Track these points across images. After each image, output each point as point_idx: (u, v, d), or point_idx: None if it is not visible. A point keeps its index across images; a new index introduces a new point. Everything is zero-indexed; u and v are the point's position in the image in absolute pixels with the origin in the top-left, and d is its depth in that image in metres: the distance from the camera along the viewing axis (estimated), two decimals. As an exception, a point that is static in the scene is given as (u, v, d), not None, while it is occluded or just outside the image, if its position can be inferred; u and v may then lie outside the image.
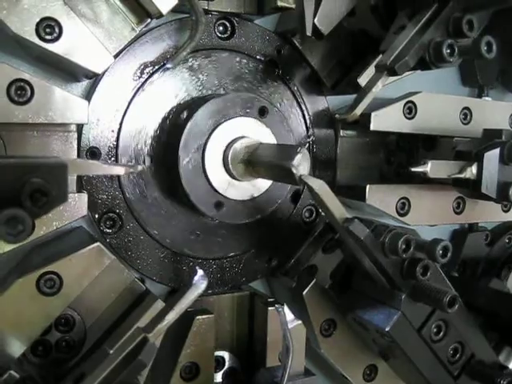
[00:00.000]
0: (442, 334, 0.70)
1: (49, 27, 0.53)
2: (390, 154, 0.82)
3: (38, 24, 0.52)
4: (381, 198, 0.72)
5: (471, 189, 0.69)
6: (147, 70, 0.65)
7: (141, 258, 0.68)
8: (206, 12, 0.66)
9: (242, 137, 0.64)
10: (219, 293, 0.73)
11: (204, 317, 0.66)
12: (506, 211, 0.84)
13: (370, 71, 0.69)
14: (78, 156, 0.62)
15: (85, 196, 0.58)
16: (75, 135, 0.60)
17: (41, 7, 0.52)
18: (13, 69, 0.53)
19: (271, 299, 0.71)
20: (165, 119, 0.67)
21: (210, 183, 0.63)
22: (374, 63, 0.65)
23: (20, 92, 0.53)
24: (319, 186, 0.58)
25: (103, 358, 0.53)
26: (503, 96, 0.91)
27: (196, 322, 0.65)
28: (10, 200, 0.41)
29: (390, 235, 0.62)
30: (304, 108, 0.75)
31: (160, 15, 0.58)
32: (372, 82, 0.62)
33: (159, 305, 0.62)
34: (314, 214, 0.78)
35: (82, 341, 0.63)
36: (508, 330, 0.82)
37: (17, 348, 0.56)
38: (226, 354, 0.73)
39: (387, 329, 0.65)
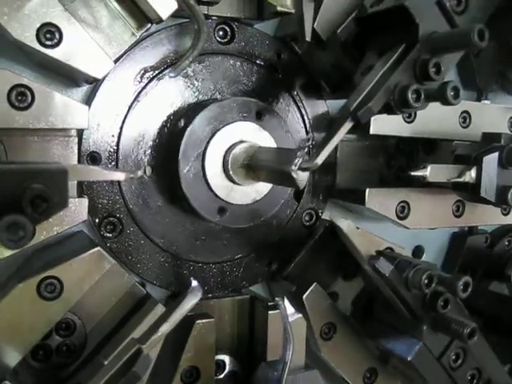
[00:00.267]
0: (460, 361, 0.73)
1: (49, 33, 0.53)
2: (389, 157, 0.82)
3: (38, 29, 0.52)
4: (380, 202, 0.72)
5: (470, 192, 0.69)
6: (147, 74, 0.66)
7: (141, 262, 0.68)
8: (206, 17, 0.66)
9: (241, 141, 0.64)
10: (220, 296, 0.73)
11: (204, 321, 0.66)
12: (505, 214, 0.84)
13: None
14: (79, 161, 0.62)
15: (85, 201, 0.58)
16: (75, 140, 0.60)
17: (41, 13, 0.53)
18: (13, 74, 0.53)
19: (271, 303, 0.71)
20: (165, 124, 0.67)
21: (211, 190, 0.64)
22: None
23: (21, 97, 0.53)
24: (347, 226, 0.65)
25: (98, 369, 0.54)
26: (502, 99, 0.91)
27: (196, 326, 0.65)
28: (11, 206, 0.41)
29: (414, 271, 0.65)
30: (304, 112, 0.75)
31: (160, 20, 0.58)
32: (335, 129, 0.58)
33: (159, 309, 0.62)
34: (314, 218, 0.78)
35: (82, 345, 0.64)
36: (509, 332, 0.83)
37: (14, 357, 0.56)
38: (226, 358, 0.73)
39: (409, 358, 0.68)
